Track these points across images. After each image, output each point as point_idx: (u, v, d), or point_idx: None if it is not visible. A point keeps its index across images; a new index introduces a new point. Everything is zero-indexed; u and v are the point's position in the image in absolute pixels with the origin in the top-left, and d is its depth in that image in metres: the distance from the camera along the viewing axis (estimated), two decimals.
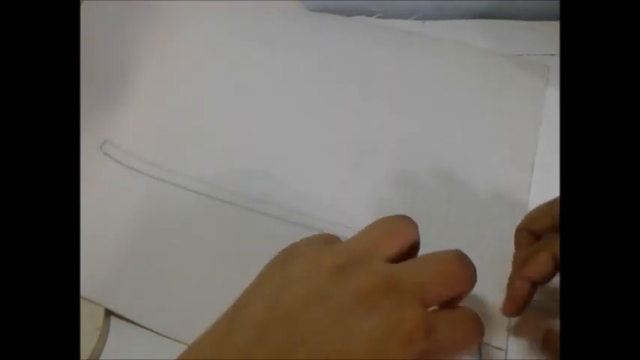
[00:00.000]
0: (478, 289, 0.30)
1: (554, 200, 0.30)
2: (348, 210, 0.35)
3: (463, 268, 0.24)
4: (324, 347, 0.21)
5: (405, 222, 0.26)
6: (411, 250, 0.25)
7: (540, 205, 0.30)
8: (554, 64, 0.40)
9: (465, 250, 0.32)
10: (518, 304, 0.29)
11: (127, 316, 0.33)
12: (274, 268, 0.25)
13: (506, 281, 0.32)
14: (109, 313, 0.33)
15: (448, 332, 0.23)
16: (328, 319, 0.22)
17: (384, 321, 0.21)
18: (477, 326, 0.24)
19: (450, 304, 0.25)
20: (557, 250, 0.28)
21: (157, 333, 0.32)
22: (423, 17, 0.44)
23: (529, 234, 0.30)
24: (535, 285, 0.29)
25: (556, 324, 0.30)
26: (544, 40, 0.41)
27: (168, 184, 0.37)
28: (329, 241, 0.26)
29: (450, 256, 0.24)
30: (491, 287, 0.32)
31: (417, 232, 0.26)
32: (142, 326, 0.33)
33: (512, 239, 0.32)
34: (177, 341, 0.32)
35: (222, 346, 0.22)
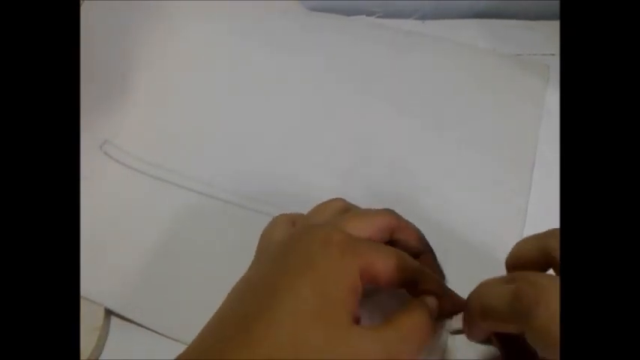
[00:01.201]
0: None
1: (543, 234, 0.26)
2: None
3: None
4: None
5: (382, 213, 0.27)
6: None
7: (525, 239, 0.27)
8: (554, 64, 0.40)
9: (463, 252, 0.32)
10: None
11: (127, 316, 0.33)
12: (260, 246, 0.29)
13: None
14: (109, 313, 0.33)
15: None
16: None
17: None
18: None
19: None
20: None
21: (157, 333, 0.32)
22: (423, 17, 0.44)
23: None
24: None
25: None
26: (544, 40, 0.41)
27: (168, 184, 0.37)
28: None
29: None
30: None
31: (390, 220, 0.27)
32: (142, 326, 0.33)
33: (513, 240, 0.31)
34: (177, 341, 0.32)
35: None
